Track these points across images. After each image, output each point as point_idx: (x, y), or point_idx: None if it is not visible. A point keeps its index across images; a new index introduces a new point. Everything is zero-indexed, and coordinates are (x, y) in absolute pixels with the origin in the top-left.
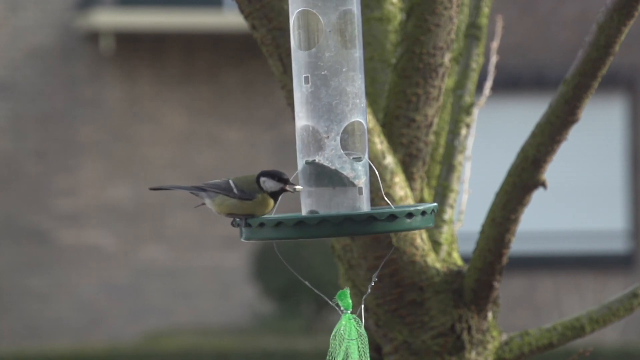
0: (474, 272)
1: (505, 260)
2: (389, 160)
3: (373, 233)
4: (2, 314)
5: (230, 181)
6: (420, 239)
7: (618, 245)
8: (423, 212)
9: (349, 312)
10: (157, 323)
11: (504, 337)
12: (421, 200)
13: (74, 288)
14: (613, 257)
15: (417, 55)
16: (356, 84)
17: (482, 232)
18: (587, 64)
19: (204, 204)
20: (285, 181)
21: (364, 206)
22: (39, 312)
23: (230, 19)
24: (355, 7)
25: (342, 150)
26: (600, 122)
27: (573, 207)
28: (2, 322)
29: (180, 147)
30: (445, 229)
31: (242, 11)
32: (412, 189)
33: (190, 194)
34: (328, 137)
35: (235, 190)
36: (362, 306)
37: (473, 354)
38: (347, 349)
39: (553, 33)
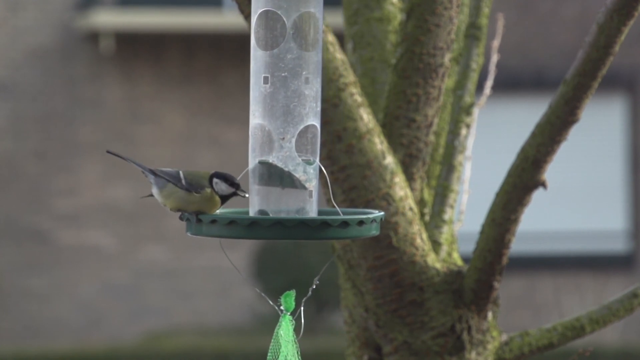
0: (474, 272)
1: (505, 260)
2: (389, 160)
3: (324, 239)
4: (2, 314)
5: (180, 172)
6: (420, 239)
7: (618, 245)
8: (372, 220)
9: (288, 313)
10: (157, 323)
11: (504, 337)
12: (421, 201)
13: (74, 288)
14: (613, 257)
15: (417, 55)
16: (314, 88)
17: (482, 232)
18: (587, 65)
19: (151, 195)
20: (237, 186)
21: (313, 209)
22: (39, 312)
23: (230, 19)
24: (318, 11)
25: (296, 153)
26: (600, 122)
27: (573, 207)
28: (2, 322)
29: (180, 147)
30: (445, 229)
31: (242, 11)
32: (412, 189)
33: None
34: (284, 138)
35: (183, 181)
36: (302, 308)
37: (473, 354)
38: (287, 350)
39: (553, 33)
